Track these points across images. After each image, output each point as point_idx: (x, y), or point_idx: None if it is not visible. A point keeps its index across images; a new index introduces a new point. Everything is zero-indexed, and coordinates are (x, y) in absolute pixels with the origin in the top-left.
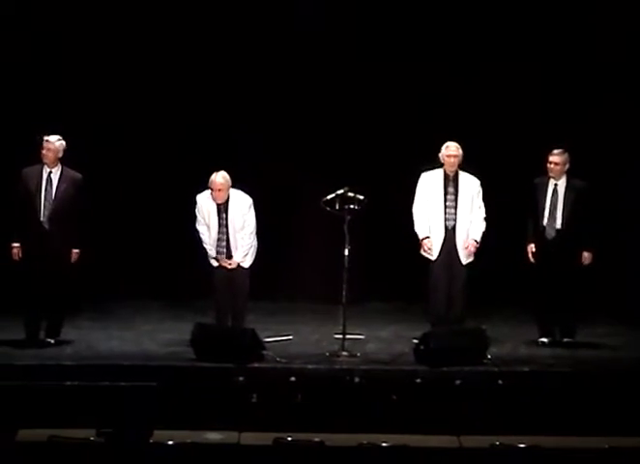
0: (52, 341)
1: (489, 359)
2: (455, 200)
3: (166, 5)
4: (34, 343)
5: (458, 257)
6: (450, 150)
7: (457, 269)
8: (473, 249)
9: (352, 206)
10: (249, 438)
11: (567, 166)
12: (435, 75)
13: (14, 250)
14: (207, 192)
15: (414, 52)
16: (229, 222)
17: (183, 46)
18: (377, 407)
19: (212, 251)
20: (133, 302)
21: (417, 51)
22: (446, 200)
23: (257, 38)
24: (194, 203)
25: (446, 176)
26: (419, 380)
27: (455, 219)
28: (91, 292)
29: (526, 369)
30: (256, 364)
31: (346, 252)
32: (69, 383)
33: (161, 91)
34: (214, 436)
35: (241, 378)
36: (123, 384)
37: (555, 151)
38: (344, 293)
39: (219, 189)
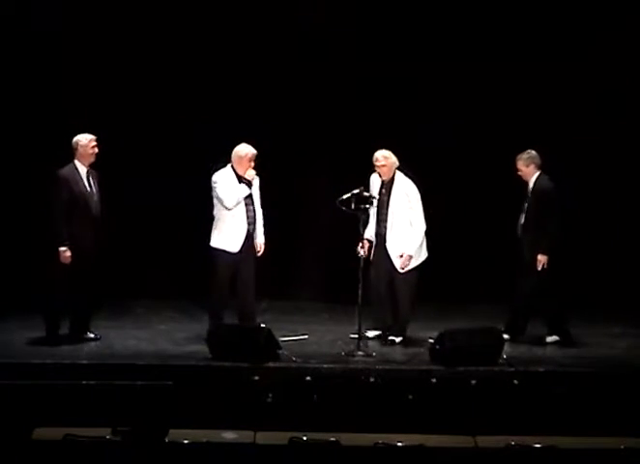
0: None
1: (505, 359)
2: (387, 207)
3: None
4: (80, 339)
5: (394, 266)
6: (378, 162)
7: (397, 277)
8: (407, 263)
9: (367, 206)
10: (265, 437)
11: (531, 167)
12: (446, 74)
13: (66, 253)
14: (223, 170)
15: (427, 52)
16: (253, 194)
17: (187, 43)
18: (392, 407)
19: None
20: (149, 301)
21: (427, 51)
22: (379, 206)
23: (272, 32)
24: (210, 185)
25: (382, 181)
26: (434, 380)
27: (386, 227)
28: (107, 291)
29: (541, 369)
30: (272, 364)
31: (362, 252)
32: (85, 382)
33: (171, 88)
34: (229, 435)
35: (256, 377)
36: (139, 383)
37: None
38: (360, 293)
39: (255, 160)
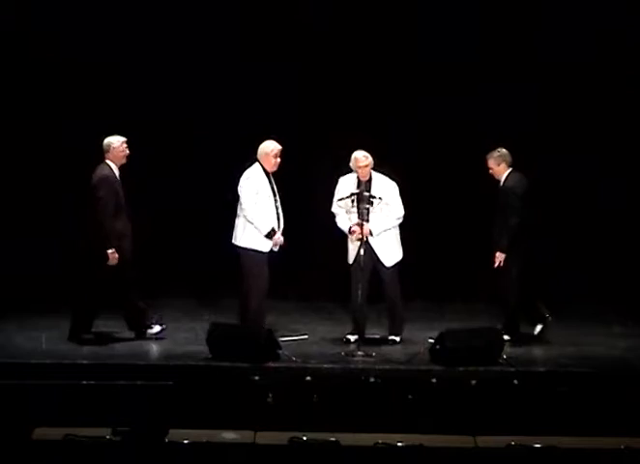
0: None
1: (505, 359)
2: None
3: None
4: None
5: (380, 261)
6: (361, 162)
7: (384, 273)
8: (364, 232)
9: (367, 205)
10: (265, 437)
11: (502, 166)
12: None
13: (115, 255)
14: (251, 169)
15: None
16: (276, 190)
17: (188, 42)
18: (393, 407)
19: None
20: (149, 301)
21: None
22: (360, 206)
23: (273, 32)
24: (235, 184)
25: (359, 181)
26: (434, 380)
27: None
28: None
29: (541, 369)
30: (272, 364)
31: (362, 252)
32: (85, 382)
33: (170, 88)
34: (229, 435)
35: (256, 377)
36: (139, 383)
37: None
38: (359, 293)
39: (281, 155)
